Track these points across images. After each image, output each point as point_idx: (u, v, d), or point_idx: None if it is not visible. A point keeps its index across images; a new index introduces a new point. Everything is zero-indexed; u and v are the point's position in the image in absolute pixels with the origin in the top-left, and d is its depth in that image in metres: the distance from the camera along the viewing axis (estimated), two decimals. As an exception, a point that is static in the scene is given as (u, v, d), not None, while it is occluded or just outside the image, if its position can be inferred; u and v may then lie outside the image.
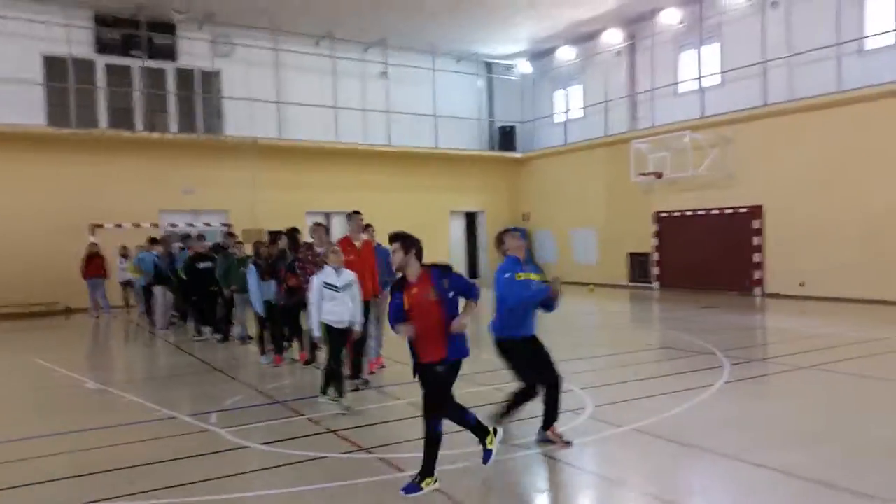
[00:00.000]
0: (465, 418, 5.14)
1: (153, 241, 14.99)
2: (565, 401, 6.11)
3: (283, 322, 10.05)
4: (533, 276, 5.69)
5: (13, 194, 17.48)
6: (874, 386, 8.00)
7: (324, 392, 7.33)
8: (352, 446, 5.99)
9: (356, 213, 8.68)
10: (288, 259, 9.73)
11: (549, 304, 5.73)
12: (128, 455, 5.89)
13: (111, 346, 13.73)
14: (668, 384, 8.06)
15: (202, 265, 12.60)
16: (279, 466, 5.54)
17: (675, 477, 5.28)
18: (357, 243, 8.34)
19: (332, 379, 7.27)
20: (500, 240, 5.89)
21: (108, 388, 8.87)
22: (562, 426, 5.95)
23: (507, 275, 5.61)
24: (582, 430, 6.22)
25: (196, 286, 12.67)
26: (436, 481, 4.82)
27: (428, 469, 4.82)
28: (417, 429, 5.01)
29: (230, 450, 6.03)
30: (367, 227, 9.05)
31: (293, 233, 10.49)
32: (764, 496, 4.76)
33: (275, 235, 10.89)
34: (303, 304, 8.60)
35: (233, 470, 5.50)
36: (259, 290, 9.95)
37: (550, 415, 5.77)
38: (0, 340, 13.97)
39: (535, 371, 5.76)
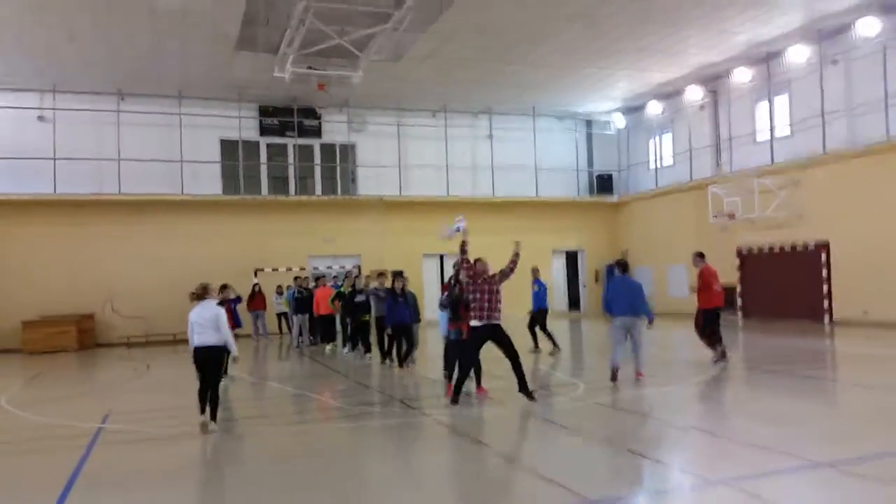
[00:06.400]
0: None
1: (296, 279, 19.48)
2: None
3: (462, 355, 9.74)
4: None
5: (198, 246, 22.65)
6: (818, 385, 10.22)
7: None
8: (414, 411, 9.30)
9: (700, 254, 12.53)
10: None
11: None
12: (267, 411, 9.56)
13: (268, 359, 17.86)
14: (654, 381, 10.69)
15: (358, 299, 15.26)
16: (358, 415, 9.00)
17: (619, 430, 8.13)
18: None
19: None
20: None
21: (263, 380, 12.83)
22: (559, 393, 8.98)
23: None
24: (569, 399, 9.18)
25: (352, 315, 15.58)
26: None
27: None
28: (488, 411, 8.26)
29: (330, 409, 9.58)
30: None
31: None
32: (715, 460, 7.57)
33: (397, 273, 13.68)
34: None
35: (324, 416, 9.01)
36: (445, 322, 10.65)
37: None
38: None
39: None
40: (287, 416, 9.32)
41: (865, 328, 17.71)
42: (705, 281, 12.07)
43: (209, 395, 8.13)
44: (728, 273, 22.99)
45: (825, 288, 19.67)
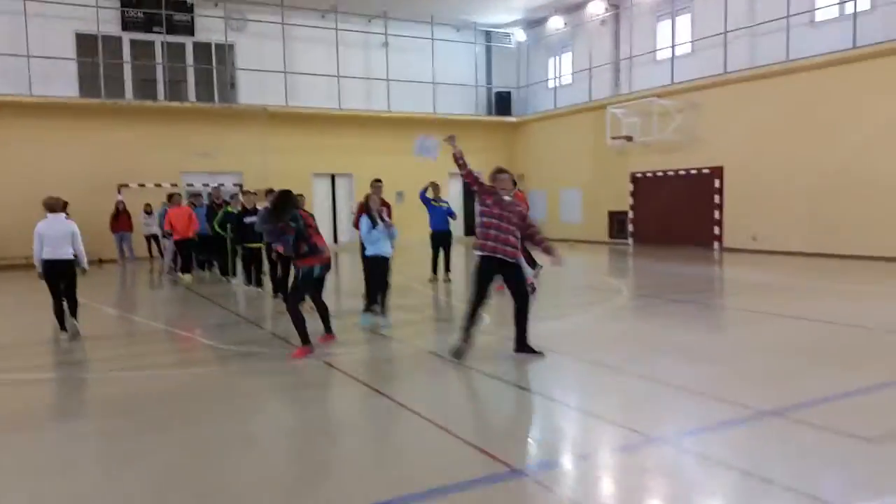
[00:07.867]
0: None
1: (170, 197, 17.21)
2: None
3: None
4: None
5: (51, 159, 19.84)
6: (703, 312, 9.87)
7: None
8: (286, 344, 8.10)
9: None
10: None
11: None
12: (122, 351, 8.11)
13: (134, 287, 16.03)
14: (562, 311, 10.01)
15: (248, 220, 12.83)
16: (229, 356, 7.72)
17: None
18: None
19: None
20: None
21: (125, 313, 11.19)
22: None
23: None
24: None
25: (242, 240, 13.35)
26: None
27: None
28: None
29: (202, 348, 8.23)
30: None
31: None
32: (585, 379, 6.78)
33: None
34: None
35: (193, 355, 7.69)
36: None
37: None
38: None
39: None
40: (145, 358, 7.90)
41: (753, 255, 17.96)
42: None
43: (69, 300, 8.45)
44: (621, 199, 22.89)
45: (716, 214, 19.80)
